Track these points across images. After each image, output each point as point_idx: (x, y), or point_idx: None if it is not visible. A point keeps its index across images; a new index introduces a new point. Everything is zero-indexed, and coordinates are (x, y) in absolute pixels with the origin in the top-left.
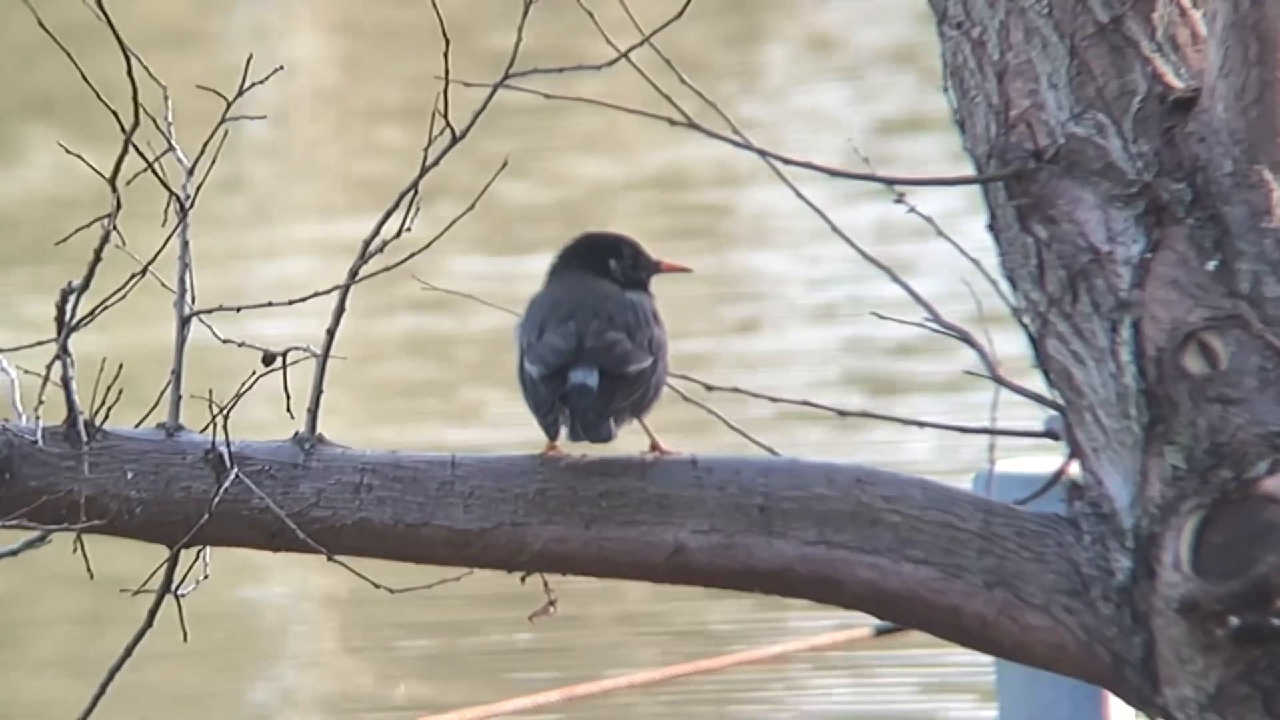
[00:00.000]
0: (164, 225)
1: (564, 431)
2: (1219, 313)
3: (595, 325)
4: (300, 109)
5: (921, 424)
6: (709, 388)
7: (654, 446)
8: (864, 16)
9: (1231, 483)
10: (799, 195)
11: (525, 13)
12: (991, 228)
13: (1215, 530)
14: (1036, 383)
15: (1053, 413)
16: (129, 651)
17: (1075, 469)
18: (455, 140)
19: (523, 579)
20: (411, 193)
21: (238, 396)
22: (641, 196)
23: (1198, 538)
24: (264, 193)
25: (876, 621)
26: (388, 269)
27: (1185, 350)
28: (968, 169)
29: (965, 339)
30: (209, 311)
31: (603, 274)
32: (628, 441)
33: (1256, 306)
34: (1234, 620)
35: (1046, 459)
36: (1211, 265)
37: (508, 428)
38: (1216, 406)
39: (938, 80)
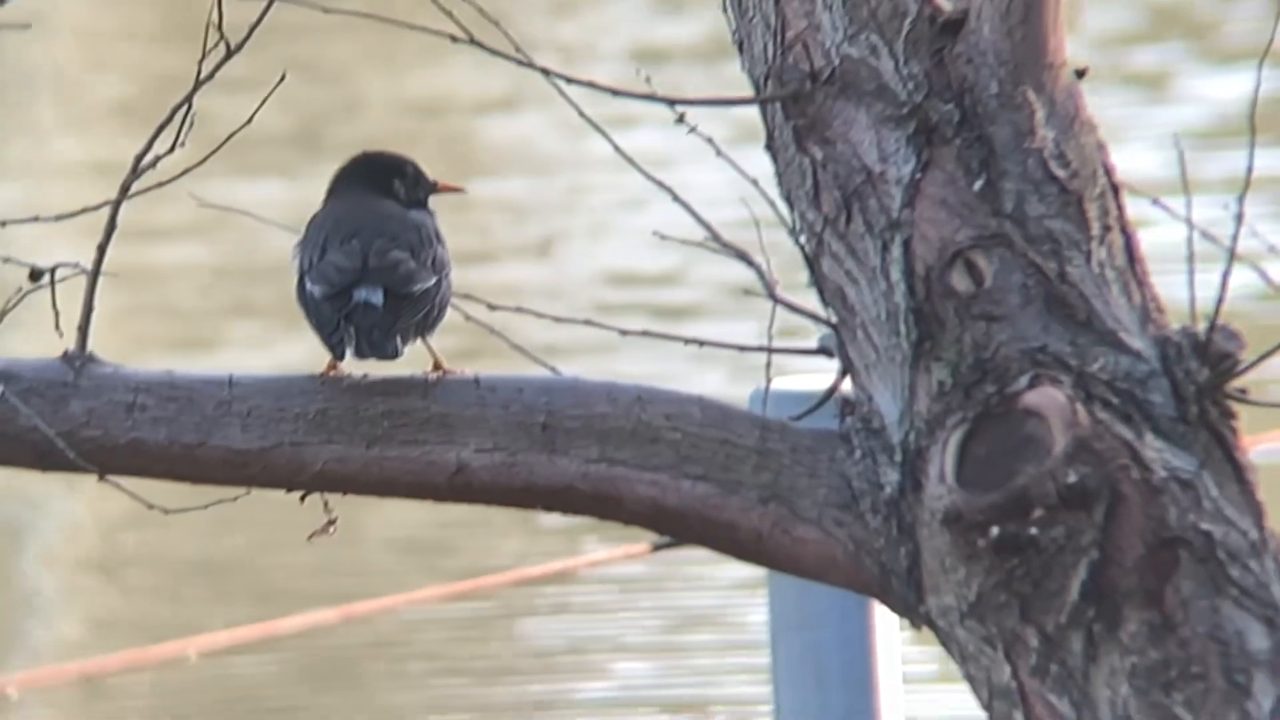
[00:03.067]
0: None
1: (335, 355)
2: (984, 231)
3: (379, 244)
4: (51, 25)
5: (701, 342)
6: (492, 307)
7: (437, 366)
8: None
9: (994, 397)
10: (581, 115)
11: None
12: (769, 148)
13: (978, 443)
14: (812, 301)
15: (827, 330)
16: None
17: (848, 386)
18: (230, 54)
19: (302, 499)
20: (185, 107)
21: (2, 313)
22: (381, 121)
23: (962, 451)
24: (16, 110)
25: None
26: (161, 184)
27: (952, 269)
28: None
29: (744, 258)
30: None
31: (385, 193)
32: (410, 361)
33: (1020, 225)
34: (994, 530)
35: (821, 377)
36: (978, 185)
37: (265, 354)
38: (981, 323)
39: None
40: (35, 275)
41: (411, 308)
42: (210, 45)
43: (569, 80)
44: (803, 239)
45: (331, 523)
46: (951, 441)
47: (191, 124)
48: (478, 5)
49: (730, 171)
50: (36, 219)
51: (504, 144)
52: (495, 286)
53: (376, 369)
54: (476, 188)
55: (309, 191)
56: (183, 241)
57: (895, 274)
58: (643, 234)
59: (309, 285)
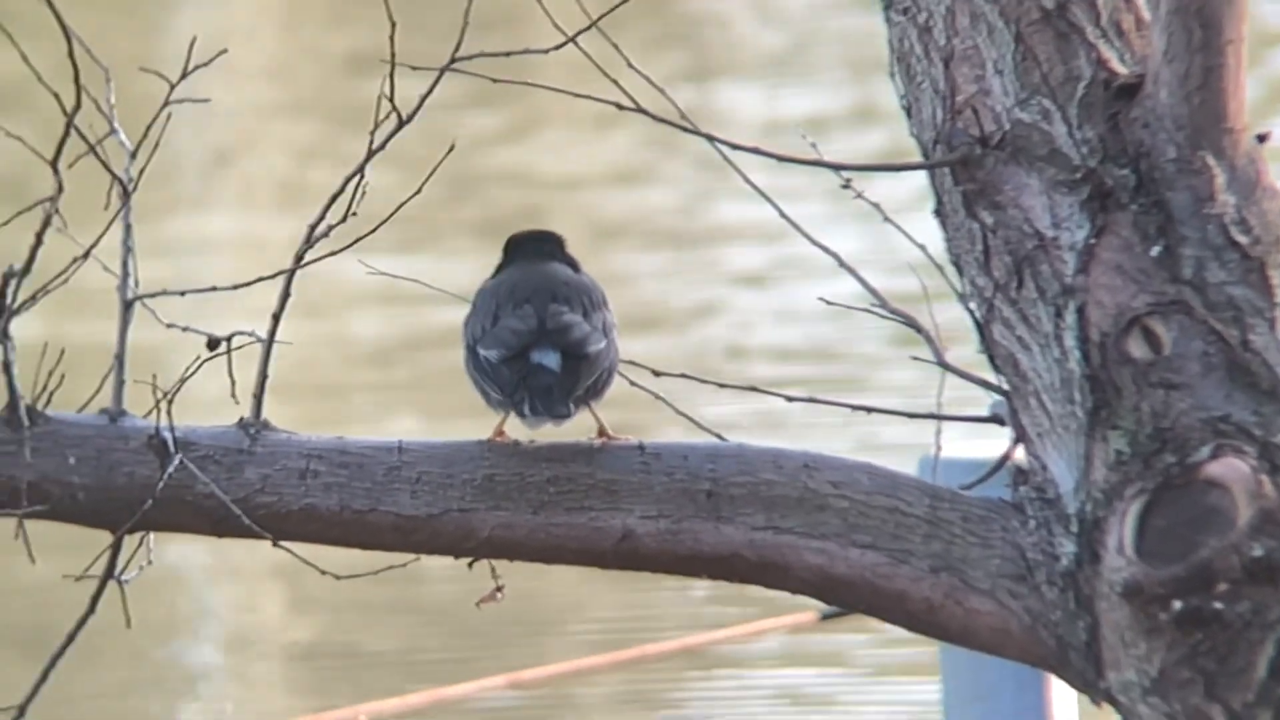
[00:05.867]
0: (106, 209)
1: (516, 414)
2: (1162, 298)
3: (553, 308)
4: (226, 95)
5: (869, 409)
6: (656, 373)
7: (601, 432)
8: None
9: (1175, 467)
10: (748, 182)
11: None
12: (938, 213)
13: (1158, 514)
14: (983, 368)
15: (998, 398)
16: (71, 638)
17: (1020, 454)
18: (401, 124)
19: (470, 565)
20: (358, 178)
21: (181, 381)
22: (510, 194)
23: (1141, 522)
24: (186, 186)
25: (823, 606)
26: (333, 254)
27: (1129, 335)
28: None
29: (911, 324)
30: (152, 296)
31: (554, 259)
32: (575, 428)
33: (1199, 292)
34: (1177, 604)
35: (992, 444)
36: (1155, 251)
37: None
38: (1160, 391)
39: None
40: (212, 344)
41: (587, 370)
42: (382, 117)
43: (734, 146)
44: (972, 305)
45: (499, 589)
46: (1130, 512)
47: (364, 194)
48: (645, 75)
49: (871, 240)
50: (214, 289)
51: (628, 216)
52: (644, 358)
53: (542, 435)
54: (610, 260)
55: (441, 266)
56: (320, 315)
57: (1069, 340)
58: (774, 306)
59: (482, 352)
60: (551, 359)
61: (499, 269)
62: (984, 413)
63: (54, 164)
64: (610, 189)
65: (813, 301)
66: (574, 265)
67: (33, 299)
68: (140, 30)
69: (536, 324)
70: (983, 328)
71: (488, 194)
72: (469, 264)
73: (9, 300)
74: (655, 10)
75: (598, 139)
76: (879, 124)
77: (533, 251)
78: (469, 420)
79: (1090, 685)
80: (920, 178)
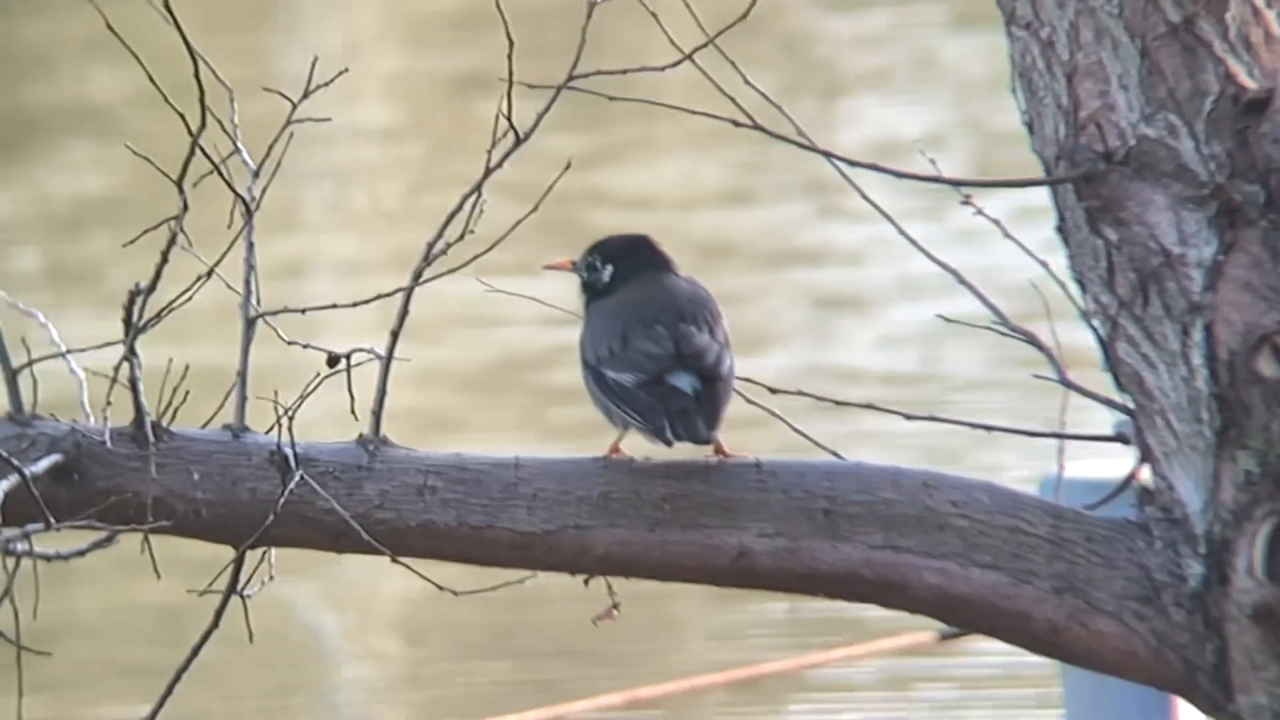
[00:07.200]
0: (229, 228)
1: (657, 439)
2: None
3: (683, 328)
4: (345, 113)
5: (989, 428)
6: (773, 390)
7: (718, 449)
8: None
9: None
10: (865, 198)
11: (589, 14)
12: (1060, 230)
13: None
14: (1106, 386)
15: (1122, 417)
16: (195, 652)
17: (1146, 474)
18: (519, 142)
19: (586, 582)
20: (475, 195)
21: (302, 397)
22: (610, 213)
23: (1271, 544)
24: (297, 205)
25: (941, 626)
26: (452, 271)
27: (1259, 354)
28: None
29: (1033, 342)
30: (274, 313)
31: (666, 270)
32: (691, 445)
33: None
34: None
35: (1115, 463)
36: None
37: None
38: None
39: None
40: (332, 361)
41: (723, 391)
42: (499, 135)
43: (851, 163)
44: (1095, 322)
45: (615, 606)
46: (1260, 534)
47: (481, 213)
48: (762, 92)
49: (965, 261)
50: (334, 305)
51: (728, 236)
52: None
53: (657, 452)
54: (710, 282)
55: (538, 287)
56: (421, 334)
57: (1196, 359)
58: (878, 327)
59: (612, 374)
60: (686, 382)
61: (619, 278)
62: (1106, 432)
63: (179, 183)
64: (710, 209)
65: (916, 322)
66: (671, 267)
67: (158, 316)
68: (240, 53)
69: (672, 347)
70: (1107, 346)
71: (585, 215)
72: (566, 285)
73: (135, 318)
74: (752, 30)
75: (695, 160)
76: (968, 143)
77: (644, 262)
78: (568, 441)
79: (1219, 709)
80: (1014, 195)
